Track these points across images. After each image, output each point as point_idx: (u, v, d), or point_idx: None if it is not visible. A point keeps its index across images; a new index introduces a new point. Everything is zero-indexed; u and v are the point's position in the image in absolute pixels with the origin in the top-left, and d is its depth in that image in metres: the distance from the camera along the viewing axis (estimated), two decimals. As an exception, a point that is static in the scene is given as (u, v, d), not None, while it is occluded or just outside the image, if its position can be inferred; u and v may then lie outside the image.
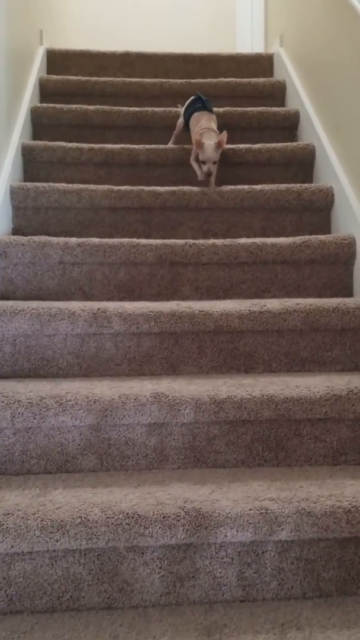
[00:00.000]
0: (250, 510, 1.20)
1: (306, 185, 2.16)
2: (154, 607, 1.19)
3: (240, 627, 1.12)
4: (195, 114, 2.25)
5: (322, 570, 1.24)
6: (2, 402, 1.37)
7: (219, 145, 2.08)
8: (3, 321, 1.57)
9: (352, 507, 1.22)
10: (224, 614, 1.16)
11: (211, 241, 1.88)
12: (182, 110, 2.37)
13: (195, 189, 2.10)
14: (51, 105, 2.56)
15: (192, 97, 2.32)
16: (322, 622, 1.14)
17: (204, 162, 2.09)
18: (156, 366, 1.65)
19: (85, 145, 2.32)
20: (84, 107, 2.55)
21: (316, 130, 2.39)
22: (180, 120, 2.38)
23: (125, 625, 1.13)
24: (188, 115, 2.29)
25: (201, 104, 2.26)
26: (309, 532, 1.21)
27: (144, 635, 1.09)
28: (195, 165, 2.21)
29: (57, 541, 1.15)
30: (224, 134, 2.09)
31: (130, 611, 1.18)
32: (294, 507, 1.21)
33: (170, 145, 2.38)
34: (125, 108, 2.56)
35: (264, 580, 1.22)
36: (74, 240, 1.83)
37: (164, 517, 1.18)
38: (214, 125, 2.20)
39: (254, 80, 2.84)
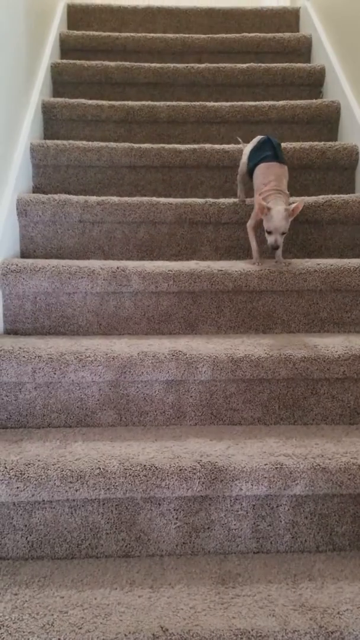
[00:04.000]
0: (265, 465, 1.22)
1: (330, 143, 2.11)
2: (170, 556, 1.23)
3: (253, 577, 1.15)
4: (263, 165, 1.71)
5: (335, 524, 1.25)
6: (23, 357, 1.39)
7: (291, 213, 1.60)
8: (24, 279, 1.59)
9: (367, 464, 1.23)
10: (238, 564, 1.19)
11: (232, 200, 1.85)
12: (246, 150, 1.84)
13: (216, 146, 2.06)
14: (71, 61, 2.52)
15: (259, 138, 1.80)
16: (334, 574, 1.16)
17: (269, 232, 1.60)
18: (175, 325, 1.65)
19: (105, 103, 2.28)
20: (105, 63, 2.51)
21: (342, 87, 2.31)
22: (244, 162, 1.83)
23: (142, 572, 1.17)
24: (253, 164, 1.75)
25: (271, 152, 1.73)
26: (323, 487, 1.22)
27: (160, 582, 1.13)
28: (251, 235, 1.72)
29: (76, 491, 1.19)
30: (301, 203, 1.59)
31: (146, 559, 1.21)
32: (308, 463, 1.23)
33: (239, 198, 1.87)
34: (146, 64, 2.51)
35: (278, 533, 1.25)
36: (93, 198, 1.82)
37: (180, 470, 1.21)
38: (284, 184, 1.69)
39: (279, 35, 2.75)
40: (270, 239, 1.61)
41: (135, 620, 1.02)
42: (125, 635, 0.98)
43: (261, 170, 1.71)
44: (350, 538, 1.26)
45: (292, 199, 1.87)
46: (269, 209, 1.59)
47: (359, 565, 1.20)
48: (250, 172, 1.78)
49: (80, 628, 1.00)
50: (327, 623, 1.02)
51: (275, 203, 1.61)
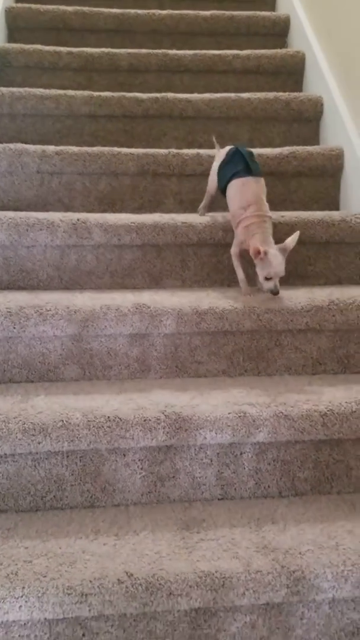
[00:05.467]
0: (229, 413, 1.23)
1: (295, 94, 2.07)
2: (136, 505, 1.23)
3: (217, 522, 1.17)
4: (236, 183, 1.50)
5: (297, 470, 1.28)
6: (-19, 311, 1.35)
7: (284, 250, 1.43)
8: (-20, 231, 1.53)
9: (328, 410, 1.25)
10: (203, 511, 1.21)
11: (195, 151, 1.81)
12: (214, 166, 1.61)
13: (179, 96, 2.01)
14: (27, 5, 2.40)
15: (227, 150, 1.57)
16: (296, 517, 1.19)
17: (269, 279, 1.44)
18: (138, 279, 1.63)
19: (63, 49, 2.19)
20: (62, 8, 2.39)
21: (307, 36, 2.27)
22: (213, 180, 1.61)
23: (107, 521, 1.17)
24: (226, 180, 1.53)
25: (242, 165, 1.50)
26: (286, 434, 1.24)
27: (125, 530, 1.14)
28: (237, 264, 1.52)
29: (39, 443, 1.17)
30: (296, 235, 1.44)
31: (112, 509, 1.22)
32: (271, 411, 1.24)
33: (199, 213, 1.69)
34: (106, 10, 2.41)
35: (242, 480, 1.26)
36: (51, 148, 1.75)
37: (144, 421, 1.20)
38: (265, 203, 1.49)
39: (243, -19, 2.66)
40: (268, 285, 1.43)
41: (101, 567, 1.02)
42: (90, 581, 0.99)
43: (235, 189, 1.50)
44: (312, 483, 1.29)
45: (256, 150, 1.83)
46: (266, 252, 1.39)
47: (321, 509, 1.23)
48: (222, 190, 1.57)
49: (45, 576, 1.00)
50: (289, 563, 1.05)
51: (268, 243, 1.43)
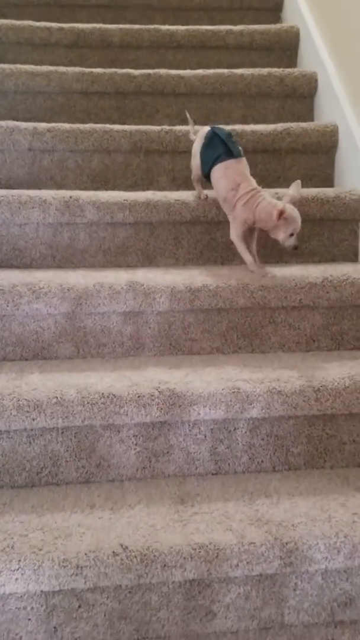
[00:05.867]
0: (222, 389, 1.23)
1: (289, 70, 2.05)
2: (130, 480, 1.24)
3: (211, 496, 1.18)
4: (219, 167, 1.48)
5: (291, 445, 1.29)
6: (-26, 289, 1.35)
7: (294, 203, 1.46)
8: (-29, 209, 1.52)
9: (321, 386, 1.26)
10: (197, 485, 1.22)
11: (188, 127, 1.79)
12: (195, 148, 1.58)
13: (172, 72, 1.98)
14: (16, -21, 2.35)
15: (204, 133, 1.54)
16: (289, 490, 1.20)
17: (292, 235, 1.44)
18: (132, 258, 1.62)
19: (54, 25, 2.15)
20: (52, -18, 2.35)
21: (301, 11, 2.23)
22: (197, 166, 1.57)
23: (102, 496, 1.18)
24: (208, 166, 1.52)
25: (222, 148, 1.48)
26: (279, 409, 1.24)
27: (120, 504, 1.15)
28: (241, 247, 1.51)
29: (33, 420, 1.18)
30: (297, 186, 1.47)
31: (107, 484, 1.23)
32: (265, 387, 1.24)
33: (200, 198, 1.61)
34: (97, -16, 2.36)
35: (236, 455, 1.27)
36: (43, 125, 1.73)
37: (138, 397, 1.21)
38: (254, 181, 1.48)
39: None
40: (291, 241, 1.44)
41: (96, 540, 1.03)
42: (86, 554, 1.00)
43: (219, 173, 1.48)
44: (305, 458, 1.30)
45: (249, 127, 1.82)
46: (284, 212, 1.39)
47: (313, 483, 1.24)
48: (206, 175, 1.55)
49: (41, 549, 1.01)
50: (282, 535, 1.06)
51: (278, 203, 1.42)
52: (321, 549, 1.05)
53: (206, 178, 1.57)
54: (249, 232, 1.53)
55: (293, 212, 1.42)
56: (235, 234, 1.51)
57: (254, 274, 1.49)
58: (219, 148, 1.49)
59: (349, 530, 1.08)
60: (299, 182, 1.47)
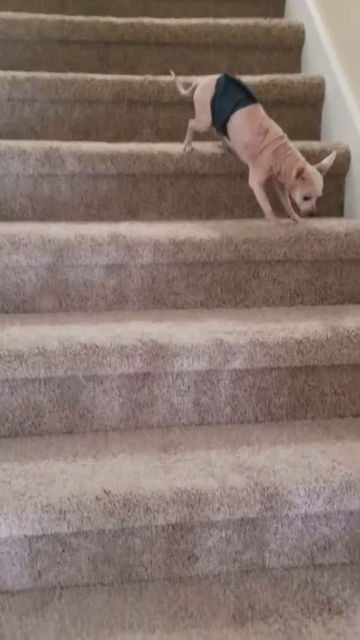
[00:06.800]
0: (206, 341, 1.23)
1: (276, 20, 2.00)
2: (114, 431, 1.25)
3: (194, 445, 1.19)
4: (241, 112, 1.44)
5: (273, 397, 1.30)
6: None
7: (321, 170, 1.41)
8: None
9: (304, 338, 1.26)
10: (180, 435, 1.23)
11: (172, 78, 1.74)
12: (200, 99, 1.51)
13: (156, 21, 1.92)
14: None
15: (216, 79, 1.49)
16: (271, 439, 1.22)
17: (307, 198, 1.40)
18: (115, 211, 1.60)
19: (33, -30, 2.07)
20: None
21: None
22: (207, 116, 1.51)
23: (86, 445, 1.18)
24: (227, 113, 1.46)
25: (242, 93, 1.45)
26: (262, 361, 1.25)
27: (104, 453, 1.15)
28: (261, 195, 1.48)
29: (15, 370, 1.17)
30: (332, 156, 1.43)
31: (91, 435, 1.23)
32: (248, 339, 1.24)
33: (186, 150, 1.57)
34: None
35: (219, 406, 1.28)
36: (22, 74, 1.68)
37: (121, 348, 1.20)
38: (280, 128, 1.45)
39: None
40: (307, 205, 1.41)
41: (79, 486, 1.04)
42: (69, 499, 1.01)
43: (243, 119, 1.43)
44: (287, 409, 1.31)
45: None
46: (307, 172, 1.36)
47: (294, 432, 1.25)
48: (221, 125, 1.49)
49: (23, 495, 1.01)
50: (262, 480, 1.08)
51: (302, 161, 1.39)
52: (301, 493, 1.07)
53: (219, 129, 1.52)
54: (279, 186, 1.50)
55: (314, 175, 1.38)
56: (256, 181, 1.47)
57: (269, 222, 1.48)
58: (238, 94, 1.45)
59: (329, 475, 1.09)
60: (335, 153, 1.44)
